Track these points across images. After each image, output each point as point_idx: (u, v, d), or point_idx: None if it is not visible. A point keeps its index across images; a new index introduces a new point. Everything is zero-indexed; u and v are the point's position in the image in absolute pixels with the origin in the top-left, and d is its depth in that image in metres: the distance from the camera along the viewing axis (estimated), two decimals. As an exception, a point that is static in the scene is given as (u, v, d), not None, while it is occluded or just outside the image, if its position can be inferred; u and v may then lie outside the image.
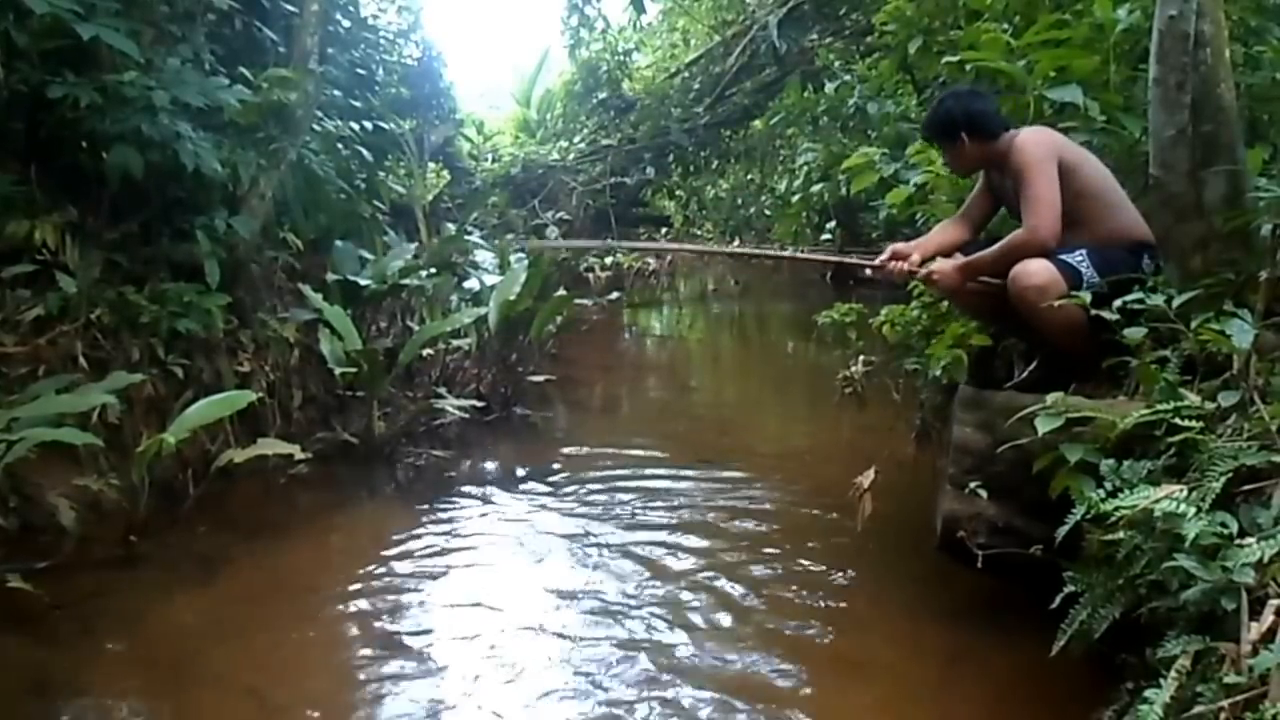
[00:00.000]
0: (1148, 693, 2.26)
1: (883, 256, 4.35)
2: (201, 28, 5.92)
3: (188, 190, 5.62)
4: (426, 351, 7.04)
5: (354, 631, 3.85)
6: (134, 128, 5.01)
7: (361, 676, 3.49)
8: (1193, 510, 2.46)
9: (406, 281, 7.21)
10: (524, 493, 5.59)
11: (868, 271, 4.44)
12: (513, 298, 7.37)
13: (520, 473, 5.96)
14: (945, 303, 4.71)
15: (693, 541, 4.76)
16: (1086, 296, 3.47)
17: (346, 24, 8.40)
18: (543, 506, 5.35)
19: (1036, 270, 3.73)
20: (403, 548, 4.73)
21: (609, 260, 14.98)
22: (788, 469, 6.11)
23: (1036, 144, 3.89)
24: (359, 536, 4.97)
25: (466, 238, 9.12)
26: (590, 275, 14.21)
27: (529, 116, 16.28)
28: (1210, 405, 2.92)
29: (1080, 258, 3.76)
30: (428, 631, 3.85)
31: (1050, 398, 3.24)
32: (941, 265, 4.11)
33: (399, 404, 6.62)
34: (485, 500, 5.46)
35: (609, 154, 13.51)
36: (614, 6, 15.65)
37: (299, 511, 5.29)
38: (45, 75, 5.00)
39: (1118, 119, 4.34)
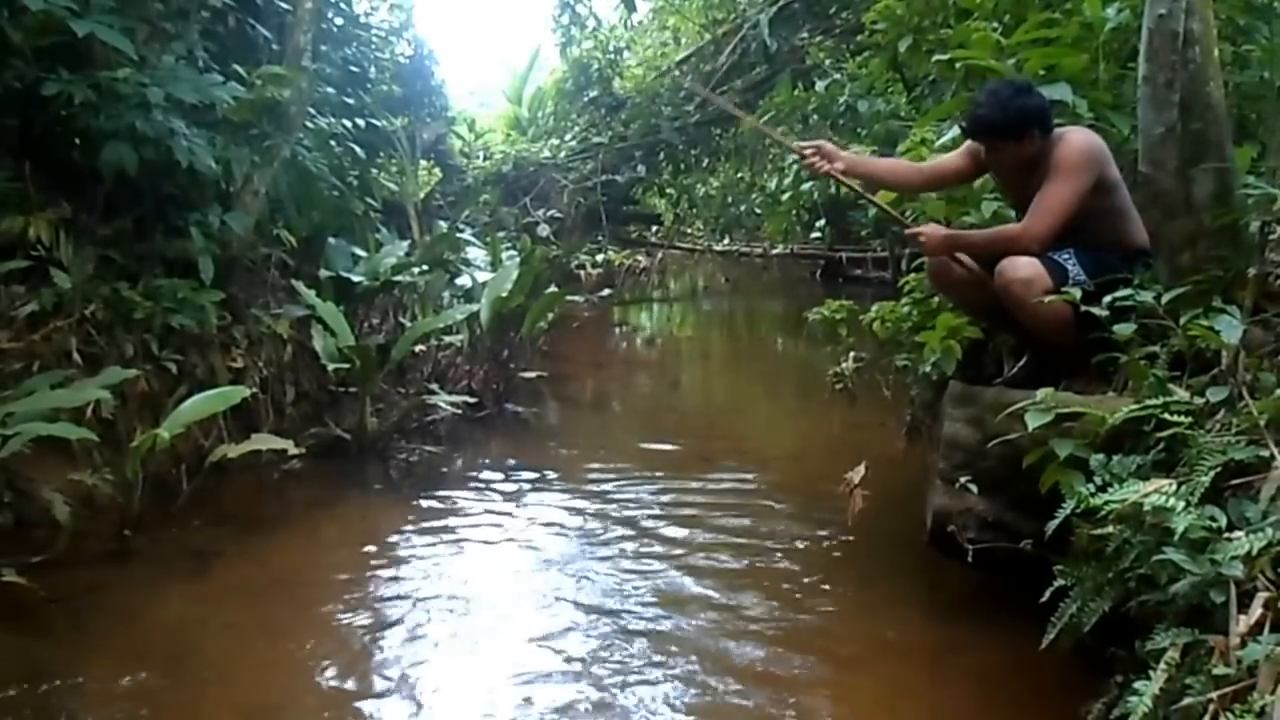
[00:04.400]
0: (1137, 685, 2.29)
1: (810, 149, 4.24)
2: (195, 25, 5.93)
3: (181, 187, 5.63)
4: (419, 348, 7.06)
5: (347, 625, 3.85)
6: (128, 124, 5.02)
7: (354, 671, 3.49)
8: (1182, 504, 2.48)
9: (399, 278, 7.25)
10: (515, 488, 5.60)
11: (799, 155, 4.36)
12: (505, 294, 7.40)
13: (512, 469, 5.97)
14: (936, 299, 4.72)
15: (682, 536, 4.78)
16: (1076, 293, 3.48)
17: (339, 21, 8.40)
18: (534, 502, 5.37)
19: (1023, 264, 3.72)
20: (395, 543, 4.75)
21: (600, 258, 14.99)
22: (778, 464, 6.14)
23: (1087, 152, 3.78)
24: (351, 531, 4.98)
25: (458, 235, 9.14)
26: (581, 272, 14.22)
27: (520, 114, 16.27)
28: (1199, 401, 2.94)
29: (1067, 256, 3.76)
30: (420, 626, 3.85)
31: (1040, 393, 3.26)
32: (931, 229, 4.09)
33: (391, 400, 6.63)
34: (477, 496, 5.48)
35: (600, 152, 13.49)
36: (605, 5, 15.61)
37: (292, 506, 5.31)
38: (40, 72, 5.01)
39: (1107, 117, 4.36)
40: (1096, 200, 3.78)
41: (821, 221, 14.81)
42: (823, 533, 4.76)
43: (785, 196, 11.30)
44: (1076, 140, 3.83)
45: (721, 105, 6.33)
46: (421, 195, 11.28)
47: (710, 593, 4.16)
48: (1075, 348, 3.67)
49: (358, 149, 7.58)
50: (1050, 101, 4.12)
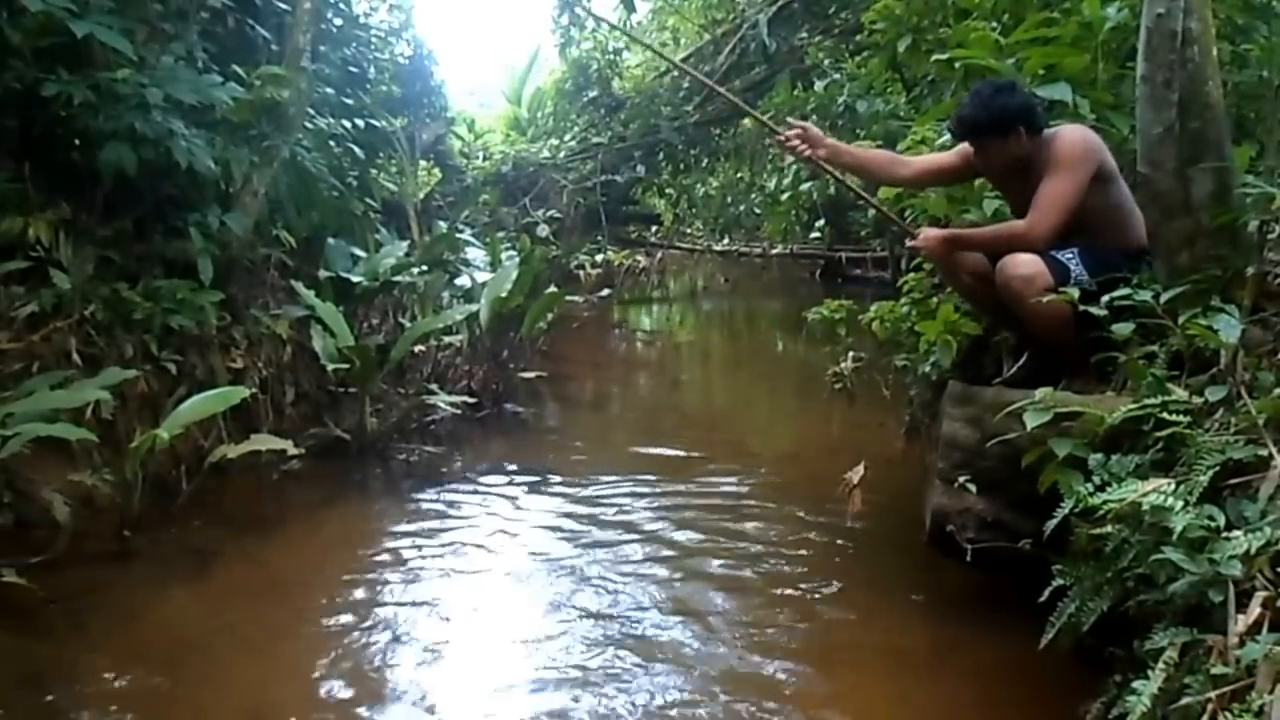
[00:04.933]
0: (1135, 684, 2.29)
1: (793, 132, 4.23)
2: (194, 25, 5.94)
3: (181, 187, 5.64)
4: (418, 348, 7.06)
5: (346, 626, 3.85)
6: (127, 125, 5.03)
7: (353, 671, 3.50)
8: (1180, 504, 2.48)
9: (398, 278, 7.25)
10: (515, 488, 5.61)
11: (779, 137, 4.33)
12: (504, 295, 7.41)
13: (511, 469, 5.97)
14: (935, 300, 4.72)
15: (682, 537, 4.78)
16: (1075, 293, 3.48)
17: (339, 22, 8.42)
18: (534, 503, 5.37)
19: (1024, 261, 3.71)
20: (394, 543, 4.75)
21: (599, 258, 15.01)
22: (777, 464, 6.14)
23: (1083, 145, 3.77)
24: (351, 532, 4.99)
25: (458, 235, 9.16)
26: (581, 273, 14.23)
27: (520, 114, 16.28)
28: (1198, 400, 2.94)
29: (1070, 255, 3.75)
30: (419, 628, 3.86)
31: (1039, 393, 3.25)
32: (927, 234, 4.10)
33: (391, 400, 6.63)
34: (477, 496, 5.48)
35: (599, 152, 13.51)
36: (604, 5, 15.62)
37: (291, 507, 5.31)
38: (39, 73, 5.02)
39: (1106, 116, 4.35)
40: (1098, 193, 3.77)
41: (821, 221, 14.79)
42: (822, 532, 4.76)
43: (785, 196, 11.31)
44: (1070, 135, 3.83)
45: (724, 96, 6.53)
46: (421, 195, 11.28)
47: (706, 592, 4.16)
48: (1075, 347, 3.67)
49: (357, 149, 7.60)
50: (1050, 101, 4.11)
